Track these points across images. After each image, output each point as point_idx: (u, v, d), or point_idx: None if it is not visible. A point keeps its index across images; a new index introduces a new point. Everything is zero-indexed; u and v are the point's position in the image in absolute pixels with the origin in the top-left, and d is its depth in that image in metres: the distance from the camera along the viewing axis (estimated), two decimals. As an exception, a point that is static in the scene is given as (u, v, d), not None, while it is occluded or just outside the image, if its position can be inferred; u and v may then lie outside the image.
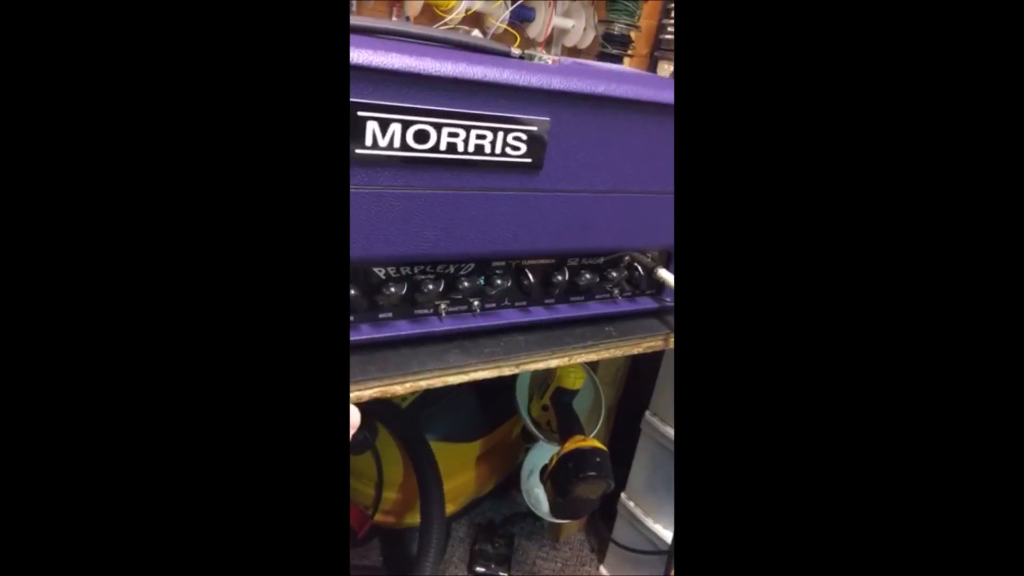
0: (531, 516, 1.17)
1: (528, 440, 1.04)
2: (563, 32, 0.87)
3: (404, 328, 0.42)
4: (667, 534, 0.97)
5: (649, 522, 1.00)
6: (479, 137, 0.38)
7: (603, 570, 1.13)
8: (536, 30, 0.82)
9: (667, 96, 0.44)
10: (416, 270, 0.42)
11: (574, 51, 0.92)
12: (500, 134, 0.38)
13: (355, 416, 0.35)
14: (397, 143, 0.35)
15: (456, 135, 0.37)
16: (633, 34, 0.92)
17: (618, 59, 0.92)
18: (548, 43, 0.87)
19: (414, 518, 0.92)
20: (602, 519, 1.13)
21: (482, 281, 0.45)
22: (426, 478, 0.87)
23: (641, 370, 1.02)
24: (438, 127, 0.36)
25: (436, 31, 0.41)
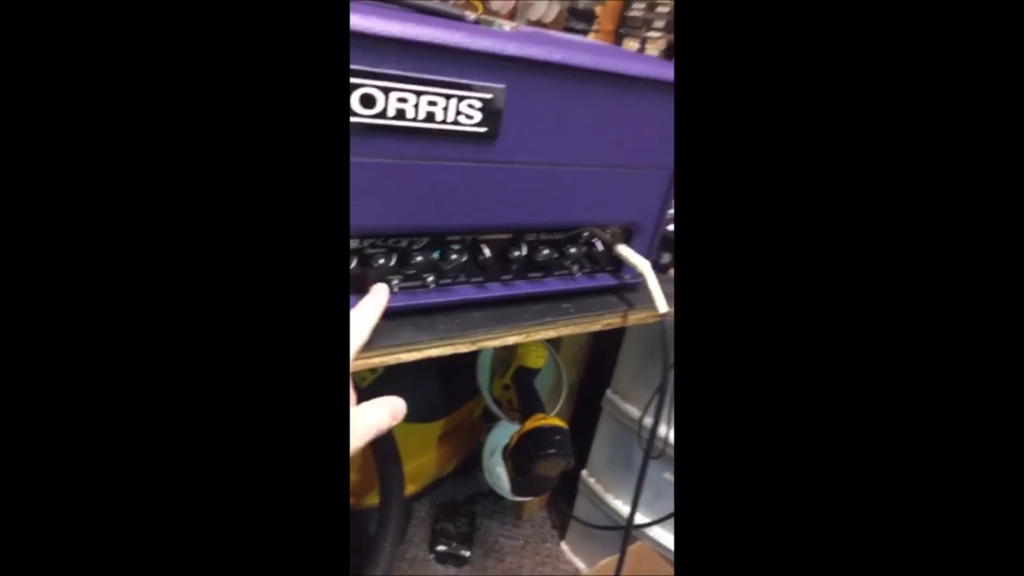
0: (493, 495, 1.18)
1: (490, 419, 1.03)
2: (528, 5, 0.86)
3: (355, 304, 0.41)
4: (625, 509, 0.99)
5: (609, 498, 1.01)
6: (430, 104, 0.36)
7: (564, 546, 1.15)
8: (499, 2, 0.80)
9: (629, 67, 0.43)
10: (366, 243, 0.40)
11: (538, 25, 0.90)
12: (452, 101, 0.37)
13: (399, 409, 0.39)
14: (342, 107, 0.33)
15: (405, 100, 0.35)
16: (599, 9, 0.90)
17: (583, 34, 0.91)
18: (512, 16, 0.85)
19: (374, 499, 0.91)
20: (563, 496, 1.14)
21: (437, 256, 0.43)
22: (385, 459, 0.86)
23: (603, 349, 1.03)
24: (386, 91, 0.34)
25: (387, -8, 0.39)
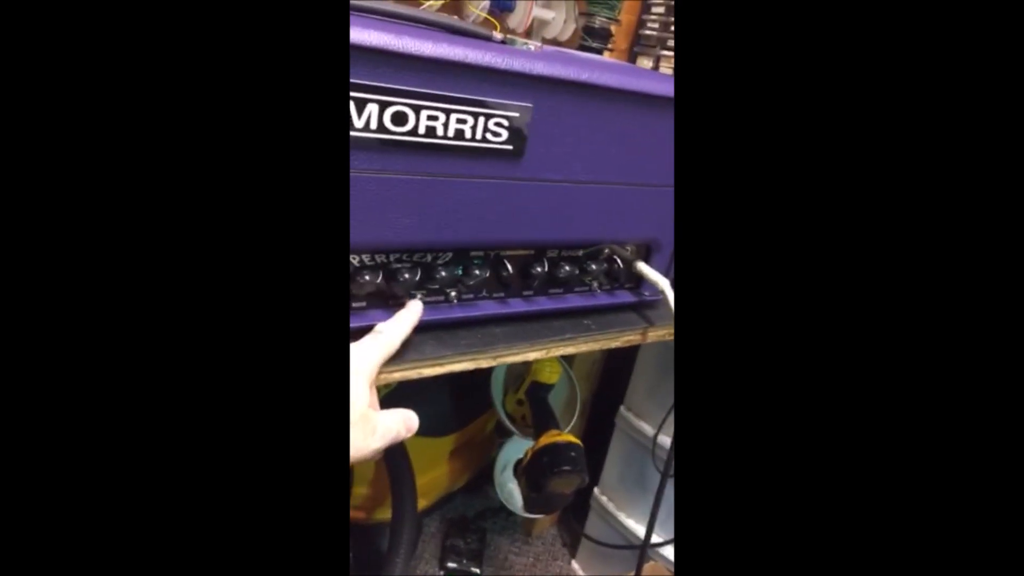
0: (503, 511, 1.17)
1: (502, 434, 1.03)
2: (543, 23, 0.86)
3: (379, 318, 0.41)
4: (639, 528, 0.98)
5: (622, 516, 1.00)
6: (459, 121, 0.36)
7: (575, 565, 1.14)
8: (516, 20, 0.81)
9: (651, 86, 0.44)
10: (392, 258, 0.41)
11: (554, 43, 0.91)
12: (481, 119, 0.37)
13: (413, 420, 0.41)
14: (374, 124, 0.34)
15: (435, 118, 0.36)
16: (613, 28, 0.91)
17: (598, 53, 0.91)
18: (528, 34, 0.86)
19: (385, 514, 0.91)
20: (574, 514, 1.13)
21: (460, 271, 0.44)
22: (398, 473, 0.86)
23: (616, 365, 1.02)
24: (417, 109, 0.35)
25: (415, 11, 0.40)
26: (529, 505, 0.76)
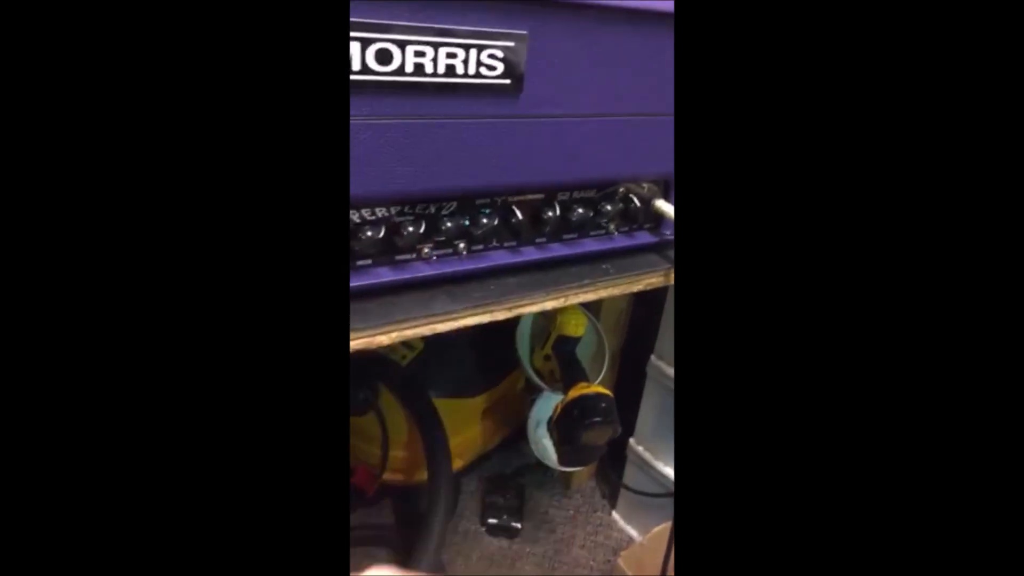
0: (541, 466, 1.17)
1: (533, 391, 1.03)
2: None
3: (385, 275, 0.40)
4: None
5: (659, 465, 1.00)
6: (449, 56, 0.34)
7: (615, 515, 1.14)
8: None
9: (660, 4, 0.40)
10: (393, 211, 0.39)
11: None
12: (473, 52, 0.34)
13: None
14: (356, 65, 0.31)
15: (423, 54, 0.33)
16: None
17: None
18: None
19: (423, 475, 0.92)
20: (612, 465, 1.13)
21: (467, 221, 0.41)
22: (430, 435, 0.87)
23: (645, 314, 1.00)
24: (402, 45, 0.32)
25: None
26: (563, 459, 0.76)
